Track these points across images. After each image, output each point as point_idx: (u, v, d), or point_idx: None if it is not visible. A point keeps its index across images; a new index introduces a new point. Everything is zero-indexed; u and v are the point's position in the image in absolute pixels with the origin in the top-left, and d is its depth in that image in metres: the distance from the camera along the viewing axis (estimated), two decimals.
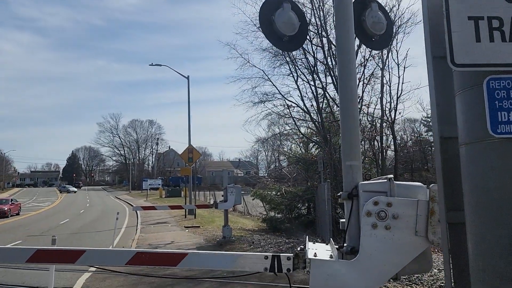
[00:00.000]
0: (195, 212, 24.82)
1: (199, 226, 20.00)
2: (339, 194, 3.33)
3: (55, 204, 52.53)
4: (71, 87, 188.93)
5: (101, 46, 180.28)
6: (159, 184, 65.87)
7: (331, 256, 2.94)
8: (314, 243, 3.57)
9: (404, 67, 18.61)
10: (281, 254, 3.16)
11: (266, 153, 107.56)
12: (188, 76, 29.87)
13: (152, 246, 14.25)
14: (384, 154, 20.23)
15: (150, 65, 32.22)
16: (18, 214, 33.07)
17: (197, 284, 8.50)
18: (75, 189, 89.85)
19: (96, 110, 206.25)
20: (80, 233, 19.72)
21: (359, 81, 16.57)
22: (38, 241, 17.07)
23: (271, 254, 3.12)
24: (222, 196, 15.88)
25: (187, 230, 18.75)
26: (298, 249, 3.22)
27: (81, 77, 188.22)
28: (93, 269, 10.42)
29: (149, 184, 65.85)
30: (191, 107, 30.21)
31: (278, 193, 20.33)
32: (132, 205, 39.41)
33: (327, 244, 3.54)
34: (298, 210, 20.34)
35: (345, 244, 3.10)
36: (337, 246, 3.16)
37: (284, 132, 24.47)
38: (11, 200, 34.53)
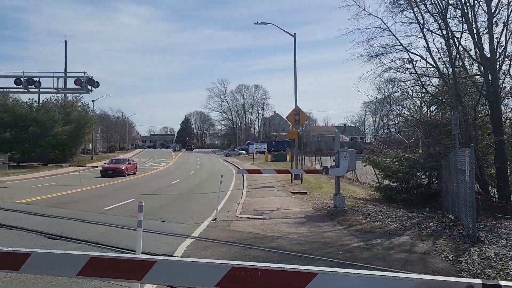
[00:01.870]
0: (302, 178, 23.66)
1: (306, 192, 18.77)
2: None
3: (169, 164, 55.92)
4: (182, 56, 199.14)
5: (209, 15, 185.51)
6: (265, 148, 66.27)
7: None
8: None
9: None
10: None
11: (374, 117, 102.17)
12: (295, 33, 28.14)
13: (258, 212, 13.37)
14: None
15: (255, 23, 31.26)
16: (134, 173, 35.40)
17: (309, 263, 7.18)
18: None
19: (205, 76, 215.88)
20: (188, 194, 19.85)
21: None
22: (150, 198, 17.42)
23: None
24: (334, 161, 14.28)
25: (293, 196, 17.65)
26: None
27: (191, 45, 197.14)
28: (195, 235, 9.79)
29: (255, 148, 66.64)
30: (296, 71, 28.48)
31: (394, 160, 18.05)
32: (238, 168, 39.95)
33: None
34: (417, 179, 17.92)
35: None
36: None
37: (402, 90, 21.55)
38: (128, 160, 37.08)
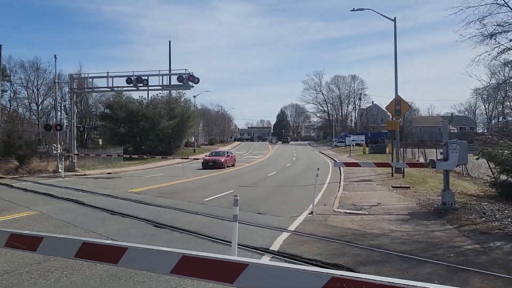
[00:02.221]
0: (404, 171, 22.25)
1: (409, 187, 17.56)
2: None
3: (266, 157, 56.85)
4: (277, 49, 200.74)
5: (304, 6, 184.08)
6: (362, 140, 64.00)
7: None
8: None
9: None
10: None
11: (487, 105, 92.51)
12: (395, 18, 26.43)
13: (356, 206, 12.80)
14: None
15: (352, 10, 29.91)
16: (233, 165, 36.59)
17: (414, 265, 6.59)
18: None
19: (301, 69, 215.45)
20: (284, 186, 19.86)
21: None
22: (248, 190, 17.78)
23: None
24: (441, 153, 13.08)
25: (395, 191, 16.63)
26: None
27: (286, 39, 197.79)
28: (292, 229, 9.65)
29: (352, 140, 64.67)
30: (397, 58, 26.74)
31: None
32: (335, 160, 39.08)
33: None
34: None
35: None
36: None
37: None
38: (227, 152, 38.41)
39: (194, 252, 2.38)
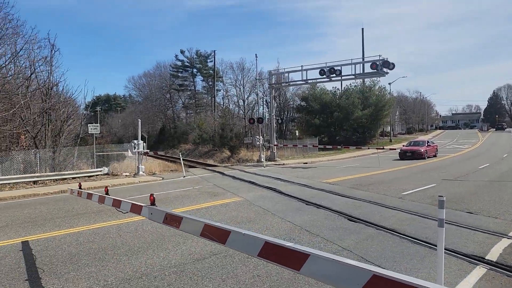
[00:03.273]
0: None
1: None
2: None
3: (475, 147, 50.11)
4: (477, 26, 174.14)
5: None
6: None
7: None
8: None
9: None
10: None
11: None
12: None
13: None
14: None
15: None
16: (435, 156, 33.28)
17: None
18: None
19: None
20: (500, 182, 16.85)
21: None
22: (453, 185, 15.79)
23: None
24: None
25: None
26: None
27: (487, 14, 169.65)
28: None
29: None
30: None
31: None
32: None
33: None
34: None
35: None
36: None
37: None
38: (427, 142, 35.12)
39: (274, 240, 2.57)
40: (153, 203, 4.68)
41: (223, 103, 75.49)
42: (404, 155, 31.39)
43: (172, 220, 4.01)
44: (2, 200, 16.18)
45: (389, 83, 67.60)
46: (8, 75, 27.51)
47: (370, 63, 28.37)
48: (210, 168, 30.30)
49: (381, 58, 27.89)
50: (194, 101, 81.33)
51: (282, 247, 2.46)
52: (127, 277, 6.04)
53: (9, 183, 19.84)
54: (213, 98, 73.87)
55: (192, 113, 79.26)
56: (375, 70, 28.16)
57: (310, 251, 2.26)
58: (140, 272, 6.28)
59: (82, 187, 8.85)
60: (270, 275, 5.88)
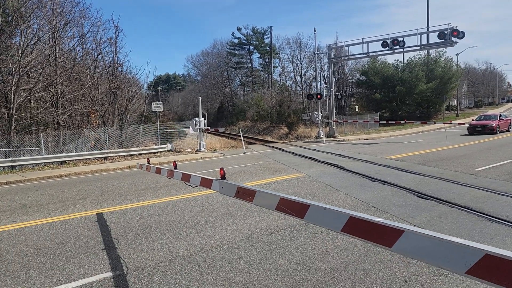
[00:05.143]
0: None
1: None
2: None
3: None
4: None
5: None
6: None
7: None
8: None
9: None
10: None
11: None
12: None
13: None
14: None
15: None
16: (508, 130, 30.92)
17: None
18: None
19: None
20: None
21: None
22: None
23: None
24: None
25: None
26: None
27: None
28: None
29: None
30: None
31: None
32: None
33: None
34: None
35: None
36: None
37: None
38: (500, 115, 32.62)
39: (360, 214, 2.44)
40: (223, 177, 4.69)
41: (280, 79, 74.99)
42: (474, 130, 29.46)
43: (245, 194, 3.98)
44: (78, 175, 17.31)
45: (456, 54, 63.23)
46: (78, 57, 29.05)
47: (437, 32, 26.62)
48: (269, 144, 30.39)
49: (449, 26, 26.07)
50: (251, 78, 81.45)
51: (371, 222, 2.31)
52: (197, 249, 6.19)
53: (82, 159, 21.16)
54: (270, 75, 73.53)
55: (250, 91, 79.56)
56: (443, 40, 26.40)
57: (404, 227, 2.10)
58: (209, 244, 6.42)
59: (150, 162, 9.17)
60: (340, 251, 5.76)
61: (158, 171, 7.54)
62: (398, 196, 9.41)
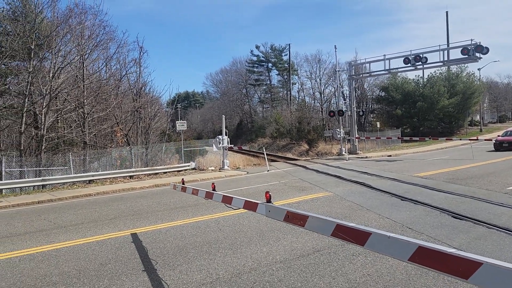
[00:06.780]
0: None
1: None
2: None
3: None
4: None
5: None
6: None
7: None
8: None
9: None
10: None
11: None
12: None
13: None
14: None
15: None
16: None
17: None
18: None
19: None
20: None
21: None
22: None
23: None
24: None
25: None
26: None
27: None
28: None
29: None
30: None
31: None
32: None
33: None
34: None
35: None
36: None
37: None
38: None
39: (430, 244, 2.47)
40: (269, 200, 4.75)
41: (299, 96, 75.24)
42: (500, 146, 28.88)
43: (296, 219, 4.03)
44: (106, 194, 17.61)
45: (478, 69, 62.40)
46: (103, 78, 29.85)
47: (461, 48, 26.44)
48: (291, 162, 30.38)
49: (473, 42, 25.90)
50: (270, 95, 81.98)
51: (443, 253, 2.33)
52: (236, 272, 6.23)
53: (109, 178, 21.54)
54: (288, 92, 73.90)
55: (269, 107, 79.99)
56: (467, 56, 26.22)
57: (483, 259, 2.12)
58: (248, 266, 6.45)
59: (184, 181, 9.29)
60: (381, 275, 5.72)
61: (195, 192, 7.65)
62: (432, 217, 9.29)
